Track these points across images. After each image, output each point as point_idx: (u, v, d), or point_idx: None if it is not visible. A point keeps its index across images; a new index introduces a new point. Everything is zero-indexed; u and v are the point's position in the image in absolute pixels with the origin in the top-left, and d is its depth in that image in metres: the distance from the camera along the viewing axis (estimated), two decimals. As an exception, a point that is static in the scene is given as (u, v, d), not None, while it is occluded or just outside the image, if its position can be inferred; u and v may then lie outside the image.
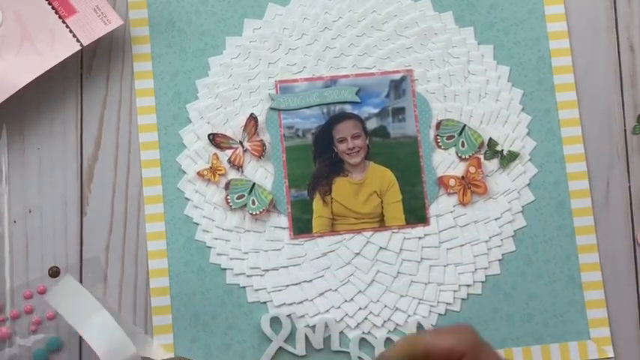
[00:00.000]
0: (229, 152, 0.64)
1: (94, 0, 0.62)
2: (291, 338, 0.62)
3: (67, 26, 0.61)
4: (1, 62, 0.61)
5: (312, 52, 0.66)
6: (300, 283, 0.63)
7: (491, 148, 0.64)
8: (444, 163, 0.64)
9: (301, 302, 0.62)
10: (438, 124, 0.65)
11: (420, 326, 0.61)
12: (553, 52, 0.66)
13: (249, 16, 0.66)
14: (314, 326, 0.62)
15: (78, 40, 0.61)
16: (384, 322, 0.62)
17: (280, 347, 0.62)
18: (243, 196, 0.63)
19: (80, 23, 0.62)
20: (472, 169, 0.64)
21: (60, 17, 0.62)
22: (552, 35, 0.66)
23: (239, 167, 0.64)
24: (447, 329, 0.49)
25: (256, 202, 0.63)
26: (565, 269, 0.63)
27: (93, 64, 0.65)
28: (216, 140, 0.64)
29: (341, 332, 0.62)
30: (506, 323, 0.63)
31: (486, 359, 0.46)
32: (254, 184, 0.63)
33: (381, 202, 0.64)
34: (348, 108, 0.65)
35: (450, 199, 0.64)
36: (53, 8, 0.62)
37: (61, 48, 0.61)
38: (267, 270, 0.63)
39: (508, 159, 0.64)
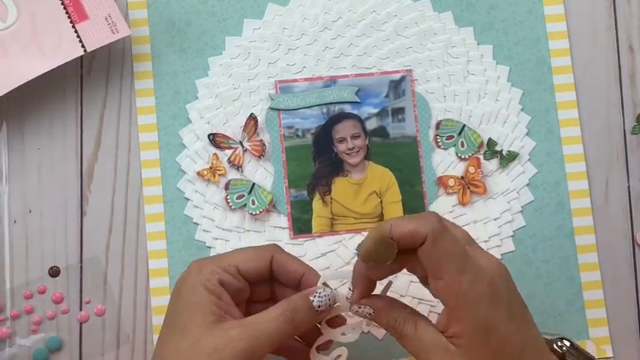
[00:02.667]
0: (229, 152, 0.64)
1: (107, 8, 0.62)
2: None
3: (76, 31, 0.62)
4: (6, 58, 0.61)
5: (311, 52, 0.66)
6: (299, 283, 0.63)
7: (491, 148, 0.65)
8: (444, 163, 0.64)
9: (301, 302, 0.62)
10: (438, 124, 0.65)
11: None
12: (552, 52, 0.66)
13: (249, 16, 0.66)
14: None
15: (83, 46, 0.62)
16: (384, 321, 0.62)
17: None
18: (243, 196, 0.63)
19: (89, 30, 0.62)
20: (471, 169, 0.64)
21: (71, 22, 0.62)
22: (552, 35, 0.66)
23: (239, 167, 0.64)
24: (412, 215, 0.49)
25: (256, 202, 0.63)
26: (564, 269, 0.63)
27: (93, 65, 0.65)
28: (215, 140, 0.64)
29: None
30: (506, 323, 0.63)
31: (447, 242, 0.47)
32: (254, 184, 0.64)
33: (381, 202, 0.64)
34: (347, 108, 0.65)
35: (449, 199, 0.64)
36: (67, 13, 0.62)
37: (65, 51, 0.61)
38: (267, 270, 0.63)
39: (507, 159, 0.64)
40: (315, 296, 0.51)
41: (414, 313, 0.50)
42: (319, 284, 0.52)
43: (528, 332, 0.48)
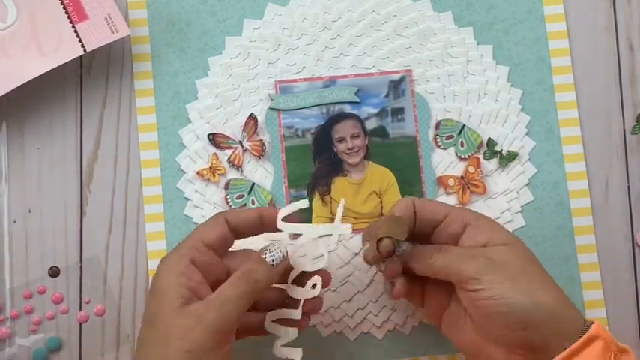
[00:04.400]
0: (229, 152, 0.64)
1: (107, 8, 0.63)
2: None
3: (76, 31, 0.62)
4: (6, 58, 0.61)
5: (311, 52, 0.66)
6: (299, 282, 0.63)
7: (491, 148, 0.65)
8: (443, 163, 0.64)
9: (301, 302, 0.63)
10: (438, 124, 0.65)
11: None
12: (552, 52, 0.66)
13: (249, 16, 0.66)
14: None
15: (83, 46, 0.62)
16: (384, 321, 0.62)
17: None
18: (243, 195, 0.63)
19: (89, 30, 0.62)
20: (471, 169, 0.64)
21: (71, 22, 0.62)
22: (551, 35, 0.66)
23: (238, 167, 0.64)
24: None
25: (256, 202, 0.63)
26: (564, 269, 0.63)
27: (93, 64, 0.65)
28: (215, 140, 0.64)
29: (340, 332, 0.62)
30: (505, 323, 0.63)
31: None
32: (253, 184, 0.64)
33: (381, 202, 0.64)
34: (347, 108, 0.65)
35: (449, 199, 0.64)
36: (67, 13, 0.62)
37: (65, 51, 0.61)
38: (267, 270, 0.63)
39: (507, 159, 0.64)
40: (266, 254, 0.52)
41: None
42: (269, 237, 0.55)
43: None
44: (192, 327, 0.48)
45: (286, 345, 0.54)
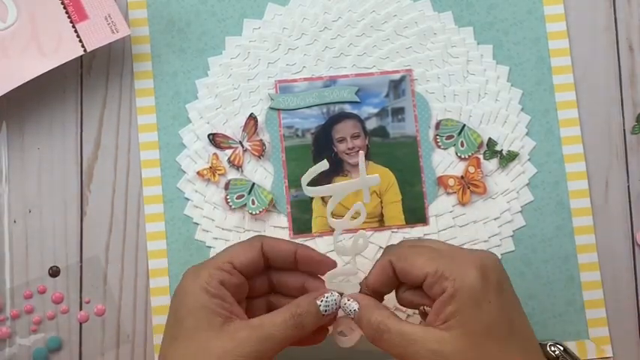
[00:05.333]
0: (229, 152, 0.64)
1: (107, 8, 0.63)
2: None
3: (76, 31, 0.62)
4: (6, 58, 0.61)
5: (311, 52, 0.66)
6: (299, 282, 0.63)
7: (491, 148, 0.65)
8: (444, 162, 0.64)
9: (301, 302, 0.63)
10: (438, 124, 0.65)
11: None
12: (552, 52, 0.66)
13: (249, 16, 0.66)
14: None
15: (83, 46, 0.62)
16: (384, 321, 0.62)
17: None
18: (243, 195, 0.63)
19: (89, 30, 0.62)
20: (471, 169, 0.64)
21: (71, 22, 0.62)
22: (551, 35, 0.66)
23: (239, 167, 0.64)
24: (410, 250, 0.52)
25: (256, 202, 0.63)
26: (564, 269, 0.63)
27: (93, 64, 0.65)
28: (215, 140, 0.64)
29: (340, 332, 0.62)
30: (506, 323, 0.63)
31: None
32: (254, 183, 0.64)
33: (381, 201, 0.64)
34: (347, 108, 0.65)
35: (449, 198, 0.64)
36: (67, 13, 0.62)
37: (65, 51, 0.61)
38: (267, 270, 0.63)
39: (507, 159, 0.64)
40: (322, 301, 0.52)
41: (397, 315, 0.51)
42: (326, 282, 0.53)
43: (517, 313, 0.50)
44: (230, 350, 0.48)
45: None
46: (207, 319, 0.49)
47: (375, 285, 0.52)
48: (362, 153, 0.51)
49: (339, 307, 0.52)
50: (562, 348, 0.53)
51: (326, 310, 0.52)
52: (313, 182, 0.63)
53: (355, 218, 0.53)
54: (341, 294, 0.53)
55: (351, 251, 0.53)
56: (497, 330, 0.48)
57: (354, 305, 0.52)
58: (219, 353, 0.48)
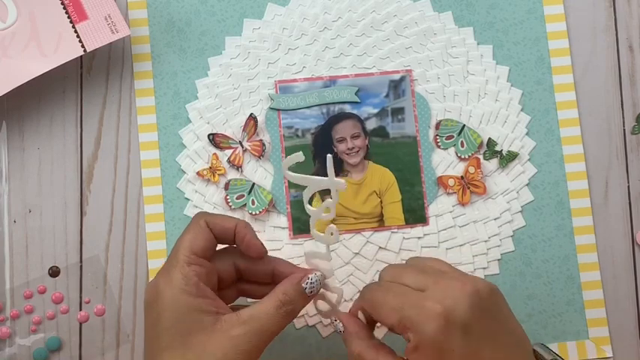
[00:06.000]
0: (229, 152, 0.64)
1: (107, 9, 0.63)
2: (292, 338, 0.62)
3: (76, 31, 0.62)
4: (6, 58, 0.61)
5: (311, 52, 0.66)
6: (299, 282, 0.63)
7: (491, 148, 0.65)
8: (444, 163, 0.64)
9: (301, 302, 0.63)
10: (438, 124, 0.65)
11: None
12: (552, 52, 0.66)
13: (249, 16, 0.66)
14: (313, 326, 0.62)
15: (83, 46, 0.62)
16: (384, 321, 0.62)
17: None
18: (243, 196, 0.63)
19: (89, 30, 0.62)
20: (471, 169, 0.64)
21: (71, 22, 0.62)
22: (551, 35, 0.66)
23: (239, 167, 0.64)
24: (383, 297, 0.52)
25: (256, 202, 0.63)
26: (564, 269, 0.63)
27: (93, 64, 0.65)
28: (215, 140, 0.64)
29: (340, 332, 0.62)
30: (505, 323, 0.63)
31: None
32: (253, 184, 0.64)
33: (381, 202, 0.64)
34: (347, 108, 0.65)
35: (449, 199, 0.64)
36: (67, 13, 0.62)
37: (65, 51, 0.62)
38: (267, 270, 0.63)
39: (507, 159, 0.64)
40: (307, 283, 0.53)
41: (379, 343, 0.51)
42: (310, 269, 0.54)
43: (493, 346, 0.48)
44: (230, 350, 0.48)
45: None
46: (198, 320, 0.49)
47: (353, 329, 0.53)
48: (330, 157, 0.50)
49: (322, 285, 0.54)
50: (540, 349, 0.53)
51: (311, 292, 0.53)
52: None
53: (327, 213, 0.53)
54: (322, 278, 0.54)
55: (324, 240, 0.53)
56: None
57: (339, 326, 0.53)
58: (219, 356, 0.48)
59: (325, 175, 0.64)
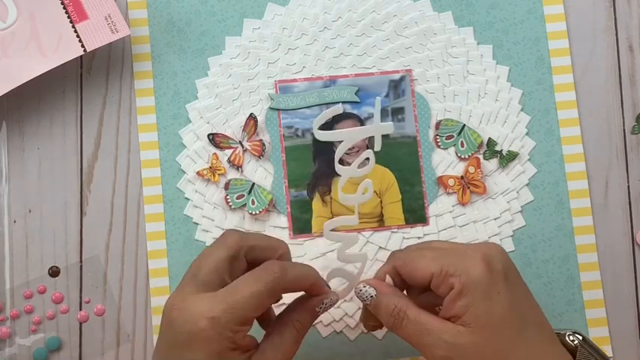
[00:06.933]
0: (229, 152, 0.64)
1: (107, 8, 0.63)
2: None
3: (76, 31, 0.62)
4: (6, 58, 0.61)
5: (311, 52, 0.66)
6: (299, 282, 0.63)
7: (491, 148, 0.65)
8: (444, 162, 0.64)
9: (301, 302, 0.63)
10: (438, 124, 0.65)
11: None
12: (552, 52, 0.66)
13: (249, 16, 0.66)
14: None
15: (82, 46, 0.62)
16: (384, 321, 0.62)
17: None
18: (243, 195, 0.63)
19: (89, 30, 0.62)
20: (471, 169, 0.64)
21: (71, 22, 0.62)
22: (551, 35, 0.66)
23: (239, 167, 0.64)
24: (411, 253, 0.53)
25: (256, 202, 0.63)
26: (564, 269, 0.63)
27: (93, 64, 0.65)
28: (215, 140, 0.64)
29: (340, 332, 0.62)
30: (506, 323, 0.63)
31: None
32: (253, 183, 0.64)
33: (381, 202, 0.64)
34: (347, 108, 0.65)
35: (449, 198, 0.64)
36: (67, 13, 0.62)
37: (65, 51, 0.62)
38: (267, 270, 0.63)
39: (507, 159, 0.64)
40: (320, 308, 0.52)
41: (414, 303, 0.51)
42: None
43: (528, 300, 0.50)
44: None
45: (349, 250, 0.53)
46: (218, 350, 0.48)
47: (387, 290, 0.52)
48: (379, 99, 0.49)
49: (334, 305, 0.53)
50: (581, 337, 0.52)
51: (321, 310, 0.53)
52: (312, 185, 0.64)
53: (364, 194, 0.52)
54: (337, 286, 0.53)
55: (355, 200, 0.51)
56: (511, 320, 0.48)
57: (370, 291, 0.52)
58: None
59: (325, 174, 0.64)
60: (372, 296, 0.51)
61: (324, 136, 0.49)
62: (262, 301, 0.49)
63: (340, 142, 0.50)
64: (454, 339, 0.47)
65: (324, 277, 0.54)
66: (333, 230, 0.52)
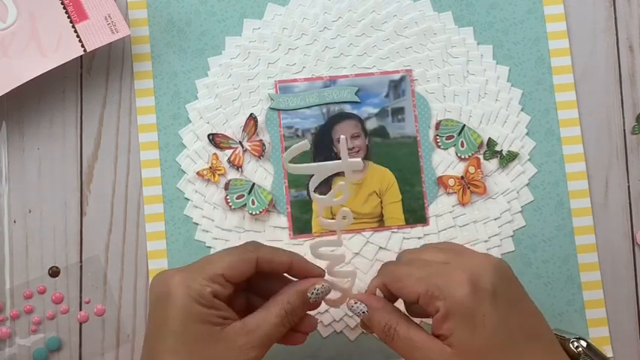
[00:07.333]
0: (229, 152, 0.64)
1: (107, 8, 0.63)
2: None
3: (76, 31, 0.62)
4: (6, 58, 0.61)
5: (311, 52, 0.66)
6: (299, 282, 0.63)
7: (491, 148, 0.65)
8: (444, 163, 0.64)
9: (301, 302, 0.63)
10: (438, 124, 0.65)
11: None
12: (552, 52, 0.66)
13: (249, 16, 0.66)
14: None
15: (82, 46, 0.62)
16: (384, 321, 0.62)
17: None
18: (243, 196, 0.63)
19: (89, 30, 0.62)
20: (471, 169, 0.64)
21: (71, 22, 0.62)
22: (551, 35, 0.66)
23: (239, 167, 0.64)
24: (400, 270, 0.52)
25: (256, 202, 0.63)
26: (564, 269, 0.63)
27: (93, 64, 0.65)
28: (215, 140, 0.64)
29: (341, 332, 0.62)
30: (506, 323, 0.63)
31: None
32: (253, 184, 0.64)
33: (381, 202, 0.64)
34: (347, 108, 0.65)
35: (449, 199, 0.64)
36: (67, 13, 0.62)
37: (65, 51, 0.62)
38: (267, 270, 0.63)
39: (507, 159, 0.64)
40: (312, 293, 0.52)
41: (407, 317, 0.51)
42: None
43: (522, 313, 0.49)
44: (234, 355, 0.48)
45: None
46: (206, 330, 0.49)
47: (378, 304, 0.52)
48: (343, 137, 0.49)
49: (327, 293, 0.53)
50: (585, 345, 0.52)
51: (315, 301, 0.53)
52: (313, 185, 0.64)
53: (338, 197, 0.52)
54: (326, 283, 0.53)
55: (336, 226, 0.52)
56: (498, 342, 0.47)
57: (362, 307, 0.52)
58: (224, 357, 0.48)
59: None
60: (363, 312, 0.52)
61: (295, 169, 0.49)
62: (233, 263, 0.51)
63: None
64: (440, 358, 0.47)
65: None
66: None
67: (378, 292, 0.53)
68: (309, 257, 0.54)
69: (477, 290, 0.47)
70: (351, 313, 0.62)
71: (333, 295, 0.54)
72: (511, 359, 0.47)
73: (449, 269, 0.49)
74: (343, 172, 0.48)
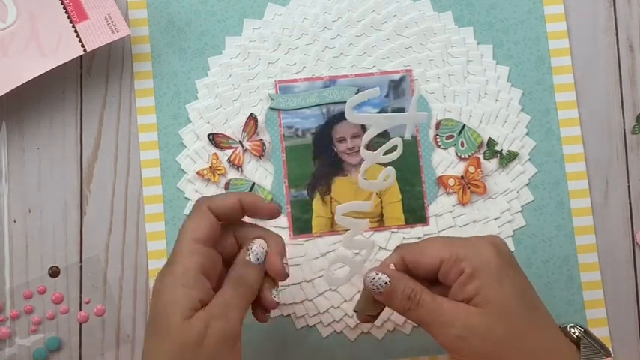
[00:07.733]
0: (229, 152, 0.64)
1: (107, 8, 0.63)
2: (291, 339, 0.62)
3: (76, 31, 0.62)
4: (6, 58, 0.61)
5: (311, 52, 0.66)
6: (299, 282, 0.63)
7: (491, 148, 0.65)
8: (444, 163, 0.64)
9: (301, 302, 0.63)
10: (438, 124, 0.65)
11: None
12: (552, 52, 0.66)
13: (249, 16, 0.66)
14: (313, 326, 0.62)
15: (82, 46, 0.62)
16: (384, 321, 0.62)
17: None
18: (243, 195, 0.63)
19: (89, 30, 0.62)
20: (471, 169, 0.64)
21: (71, 22, 0.62)
22: (552, 35, 0.66)
23: (239, 167, 0.64)
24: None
25: (256, 202, 0.63)
26: (564, 269, 0.63)
27: (93, 64, 0.65)
28: (215, 140, 0.64)
29: (341, 332, 0.62)
30: (506, 323, 0.63)
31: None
32: (254, 183, 0.64)
33: (381, 202, 0.64)
34: (347, 108, 0.65)
35: (449, 199, 0.64)
36: (67, 12, 0.62)
37: (65, 51, 0.62)
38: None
39: (507, 159, 0.64)
40: (248, 255, 0.52)
41: (427, 287, 0.52)
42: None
43: (532, 289, 0.52)
44: (202, 339, 0.48)
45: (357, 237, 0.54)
46: (181, 311, 0.48)
47: (399, 274, 0.52)
48: (415, 96, 0.50)
49: (266, 248, 0.53)
50: (582, 330, 0.52)
51: (258, 259, 0.52)
52: (312, 185, 0.64)
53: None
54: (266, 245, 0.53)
55: (376, 186, 0.52)
56: (522, 303, 0.49)
57: (384, 277, 0.52)
58: (193, 343, 0.48)
59: (325, 174, 0.64)
60: (386, 282, 0.51)
61: (356, 118, 0.49)
62: (199, 227, 0.51)
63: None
64: (468, 318, 0.49)
65: (327, 264, 0.54)
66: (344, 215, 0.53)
67: (392, 267, 0.53)
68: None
69: (501, 255, 0.50)
70: (351, 313, 0.62)
71: (342, 272, 0.54)
72: (533, 322, 0.49)
73: (469, 239, 0.51)
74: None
